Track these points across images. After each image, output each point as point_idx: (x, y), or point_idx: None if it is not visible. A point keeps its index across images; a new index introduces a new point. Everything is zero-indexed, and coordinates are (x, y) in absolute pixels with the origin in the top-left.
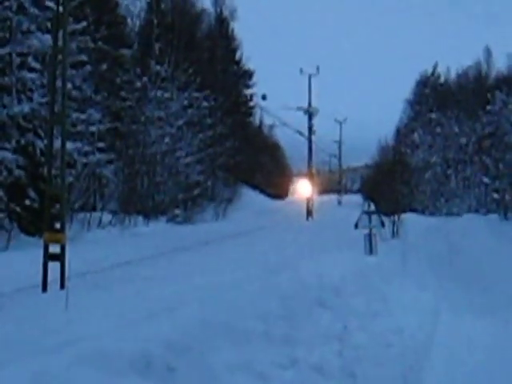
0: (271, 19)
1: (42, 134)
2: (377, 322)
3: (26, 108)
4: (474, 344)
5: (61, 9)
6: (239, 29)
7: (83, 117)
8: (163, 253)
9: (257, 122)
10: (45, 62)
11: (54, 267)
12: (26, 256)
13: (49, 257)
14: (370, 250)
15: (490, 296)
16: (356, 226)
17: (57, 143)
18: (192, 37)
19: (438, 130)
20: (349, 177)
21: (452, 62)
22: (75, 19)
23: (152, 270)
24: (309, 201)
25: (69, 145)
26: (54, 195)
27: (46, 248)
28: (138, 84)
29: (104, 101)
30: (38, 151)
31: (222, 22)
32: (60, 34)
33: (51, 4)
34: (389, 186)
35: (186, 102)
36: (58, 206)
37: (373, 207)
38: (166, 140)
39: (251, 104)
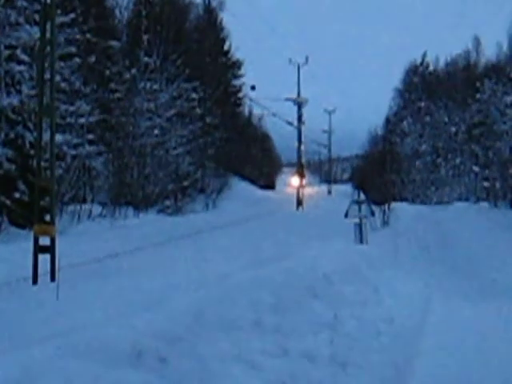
0: (260, 9)
1: (31, 127)
2: (367, 310)
3: (15, 100)
4: (465, 331)
5: (48, 0)
6: (228, 19)
7: (72, 109)
8: (154, 244)
9: (246, 112)
10: (33, 54)
11: (44, 259)
12: (16, 248)
13: (39, 249)
14: (361, 238)
15: (482, 282)
16: (346, 215)
17: (46, 136)
18: (180, 28)
19: (428, 118)
20: (339, 167)
21: (441, 51)
22: (63, 11)
23: (143, 261)
24: (299, 191)
25: (58, 137)
26: (43, 188)
27: (36, 240)
28: (127, 76)
29: (93, 93)
30: (28, 144)
31: (211, 13)
32: (48, 26)
33: None
34: (379, 175)
35: (175, 93)
36: (47, 198)
37: (362, 196)
38: (156, 131)
39: (240, 95)
